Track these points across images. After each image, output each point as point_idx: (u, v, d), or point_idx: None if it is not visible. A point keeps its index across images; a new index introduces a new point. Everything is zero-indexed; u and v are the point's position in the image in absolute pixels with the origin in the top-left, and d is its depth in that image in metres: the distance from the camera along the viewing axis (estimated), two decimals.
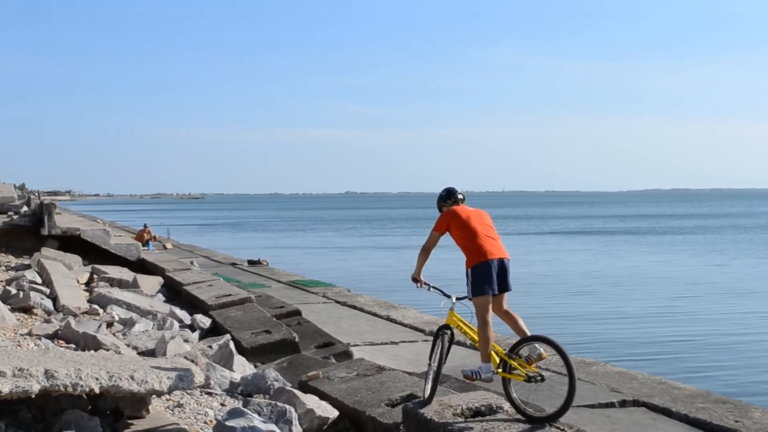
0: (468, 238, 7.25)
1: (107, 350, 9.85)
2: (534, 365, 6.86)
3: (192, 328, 13.31)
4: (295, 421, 7.48)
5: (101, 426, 6.83)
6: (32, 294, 13.74)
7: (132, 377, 6.86)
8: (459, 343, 11.89)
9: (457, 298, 7.39)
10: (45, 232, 25.20)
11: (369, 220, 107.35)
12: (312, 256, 44.95)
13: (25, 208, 39.61)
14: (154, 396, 7.49)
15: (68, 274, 17.74)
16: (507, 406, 6.79)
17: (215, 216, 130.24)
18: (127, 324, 12.72)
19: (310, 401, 8.00)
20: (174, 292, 17.98)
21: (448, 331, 7.36)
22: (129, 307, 14.21)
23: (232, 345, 10.73)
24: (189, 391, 8.53)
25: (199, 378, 7.43)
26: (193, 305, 15.67)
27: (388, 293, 22.11)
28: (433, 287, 7.51)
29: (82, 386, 6.63)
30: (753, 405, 8.52)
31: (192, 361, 9.25)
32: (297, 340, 11.33)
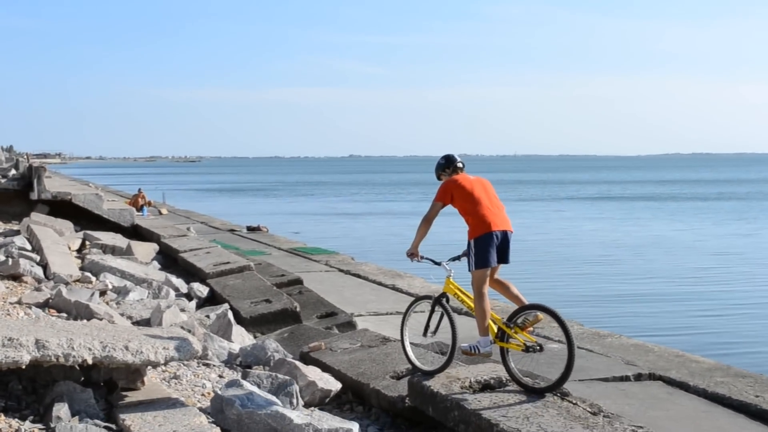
0: (472, 208, 7.29)
1: (100, 320, 9.92)
2: (532, 332, 7.03)
3: (189, 297, 13.38)
4: (297, 394, 7.55)
5: (95, 398, 6.90)
6: (21, 261, 13.81)
7: (126, 348, 6.92)
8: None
9: (450, 260, 7.58)
10: (34, 196, 25.25)
11: (374, 184, 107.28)
12: (314, 223, 44.98)
13: (13, 172, 39.65)
14: (149, 367, 7.56)
15: (59, 241, 17.81)
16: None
17: (213, 180, 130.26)
18: (121, 292, 12.79)
19: (312, 373, 8.07)
20: (170, 260, 18.06)
21: (444, 299, 7.53)
22: (123, 275, 14.28)
23: (230, 315, 10.80)
24: (186, 363, 8.60)
25: (196, 349, 7.48)
26: (190, 273, 15.74)
27: (394, 261, 22.14)
28: (424, 257, 7.66)
29: (74, 357, 6.69)
30: None
31: (189, 331, 9.33)
32: (298, 309, 11.40)
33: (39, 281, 13.32)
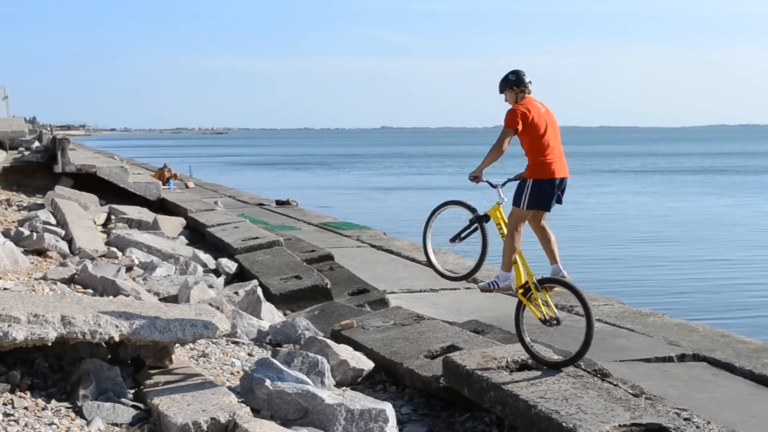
0: (539, 146, 7.18)
1: (127, 296, 10.04)
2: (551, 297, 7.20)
3: (217, 272, 13.48)
4: (328, 373, 7.60)
5: (122, 376, 6.99)
6: (46, 236, 13.96)
7: (153, 325, 7.01)
8: None
9: (505, 182, 7.54)
10: (59, 169, 25.48)
11: (408, 156, 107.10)
12: (345, 197, 45.04)
13: (36, 144, 40.10)
14: (177, 345, 7.64)
15: (84, 215, 17.99)
16: (555, 359, 6.85)
17: (240, 152, 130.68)
18: (148, 268, 12.91)
19: (344, 352, 8.11)
20: (197, 235, 18.18)
21: (485, 221, 7.54)
22: (149, 250, 14.41)
23: (259, 291, 10.87)
24: (214, 340, 8.69)
25: (224, 326, 7.56)
26: (218, 248, 15.85)
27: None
28: (485, 181, 7.53)
29: (101, 334, 6.78)
30: None
31: (217, 308, 9.40)
32: (329, 286, 11.44)
33: (64, 256, 13.47)
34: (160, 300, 10.74)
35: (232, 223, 17.76)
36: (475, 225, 7.65)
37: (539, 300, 7.14)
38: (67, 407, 6.46)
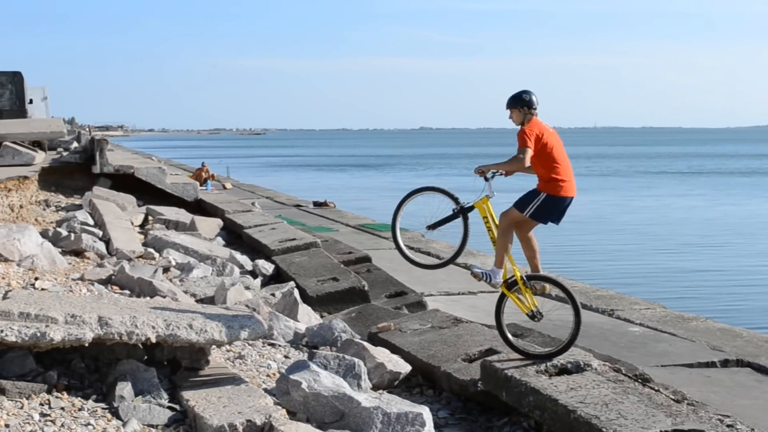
0: (553, 166, 7.41)
1: (164, 297, 10.11)
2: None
3: (253, 274, 13.54)
4: (365, 376, 7.61)
5: (158, 377, 7.05)
6: (84, 236, 14.10)
7: (190, 326, 7.06)
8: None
9: (493, 175, 7.78)
10: (97, 170, 25.75)
11: (447, 158, 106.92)
12: (383, 198, 45.00)
13: (75, 144, 40.59)
14: (213, 347, 7.69)
15: (121, 215, 18.17)
16: (596, 363, 6.82)
17: (278, 153, 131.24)
18: (185, 269, 13.00)
19: (381, 355, 8.12)
20: (234, 236, 18.28)
21: (469, 212, 7.88)
22: (186, 251, 14.51)
23: (296, 293, 10.91)
24: (251, 342, 8.74)
25: (261, 328, 7.59)
26: (255, 250, 15.92)
27: None
28: (485, 175, 7.80)
29: (137, 335, 6.84)
30: None
31: (254, 309, 9.45)
32: (366, 288, 11.45)
33: (101, 257, 13.61)
34: (197, 301, 10.81)
35: (269, 224, 17.83)
36: (459, 215, 7.92)
37: (526, 294, 7.53)
38: (103, 408, 6.53)
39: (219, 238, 17.79)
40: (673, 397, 6.10)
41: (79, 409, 6.42)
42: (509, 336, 7.44)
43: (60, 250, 13.21)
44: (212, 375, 7.30)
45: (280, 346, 9.08)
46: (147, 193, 24.21)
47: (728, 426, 5.58)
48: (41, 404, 6.37)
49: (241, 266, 13.84)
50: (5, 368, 6.68)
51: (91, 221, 17.17)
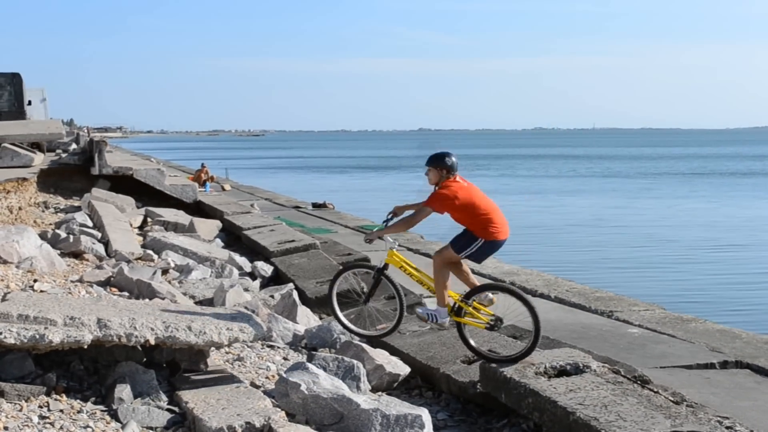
0: (482, 217, 7.86)
1: (162, 299, 10.12)
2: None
3: (252, 276, 13.54)
4: (364, 378, 7.62)
5: (157, 379, 7.05)
6: (83, 238, 14.10)
7: (189, 328, 7.06)
8: (542, 295, 11.93)
9: (385, 224, 8.58)
10: (95, 171, 25.75)
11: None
12: (382, 199, 45.01)
13: (74, 146, 40.58)
14: (212, 348, 7.69)
15: (120, 217, 18.17)
16: (595, 365, 6.82)
17: (277, 155, 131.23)
18: (184, 271, 13.00)
19: (380, 356, 8.13)
20: (233, 237, 18.28)
21: (387, 270, 8.65)
22: (185, 252, 14.51)
23: (295, 295, 10.91)
24: (250, 344, 8.74)
25: (260, 330, 7.60)
26: (254, 251, 15.92)
27: None
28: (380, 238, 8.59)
29: (136, 337, 6.85)
30: None
31: (253, 311, 9.46)
32: (366, 290, 11.44)
33: (100, 259, 13.61)
34: (196, 303, 10.81)
35: (269, 225, 17.84)
36: (380, 277, 8.65)
37: (474, 311, 7.83)
38: (102, 410, 6.53)
39: (218, 240, 17.80)
40: (672, 399, 6.11)
41: (78, 412, 6.42)
42: (475, 346, 7.70)
43: (59, 251, 13.21)
44: (211, 377, 7.31)
45: (279, 347, 9.08)
46: (146, 194, 24.21)
47: (727, 428, 5.59)
48: (40, 406, 6.37)
49: (240, 268, 13.84)
50: (4, 370, 6.68)
51: (90, 223, 17.17)
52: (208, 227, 18.60)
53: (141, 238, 16.58)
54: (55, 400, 6.53)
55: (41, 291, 10.09)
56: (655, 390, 6.32)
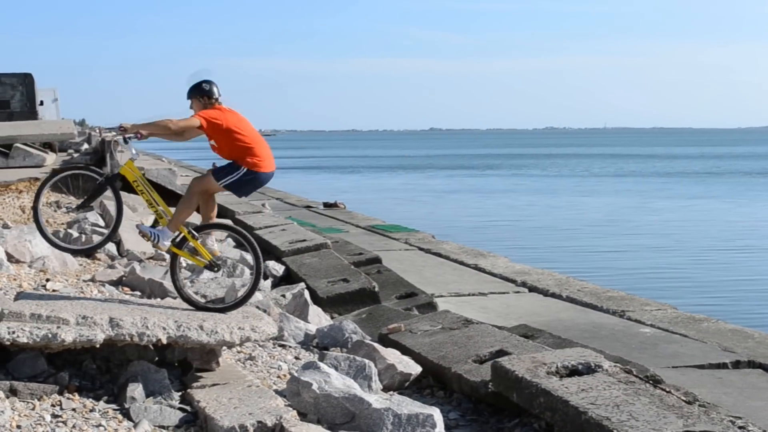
0: (246, 147, 7.70)
1: (174, 298, 10.14)
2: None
3: (264, 275, 13.55)
4: (375, 377, 7.62)
5: (169, 378, 7.08)
6: (95, 237, 14.16)
7: (201, 327, 7.08)
8: (549, 293, 11.92)
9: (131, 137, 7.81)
10: (107, 171, 25.79)
11: (457, 158, 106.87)
12: (393, 199, 45.06)
13: (85, 146, 40.71)
14: (224, 348, 7.71)
15: (132, 217, 18.20)
16: (607, 364, 6.81)
17: (288, 155, 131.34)
18: (195, 270, 13.03)
19: (391, 356, 8.13)
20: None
21: (118, 181, 8.04)
22: None
23: (307, 294, 10.93)
24: (261, 343, 8.76)
25: (271, 329, 7.62)
26: (265, 251, 15.90)
27: (477, 240, 22.11)
28: (123, 137, 7.89)
29: (148, 336, 6.87)
30: None
31: (264, 311, 9.48)
32: (377, 289, 11.46)
33: (112, 258, 13.65)
34: (207, 302, 10.83)
35: (280, 225, 17.86)
36: (107, 186, 8.01)
37: (194, 248, 7.78)
38: (114, 409, 6.56)
39: (229, 240, 17.80)
40: (684, 399, 6.10)
41: (91, 410, 6.45)
42: (184, 289, 7.75)
43: None
44: (223, 376, 7.32)
45: (290, 347, 9.10)
46: (158, 194, 24.22)
47: (740, 428, 5.58)
48: (53, 405, 6.40)
49: (251, 267, 13.85)
50: (17, 369, 6.72)
51: (102, 222, 17.23)
52: None
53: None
54: (68, 398, 6.56)
55: (53, 290, 10.14)
56: (668, 390, 6.31)
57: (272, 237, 16.25)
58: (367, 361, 7.72)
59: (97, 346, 6.73)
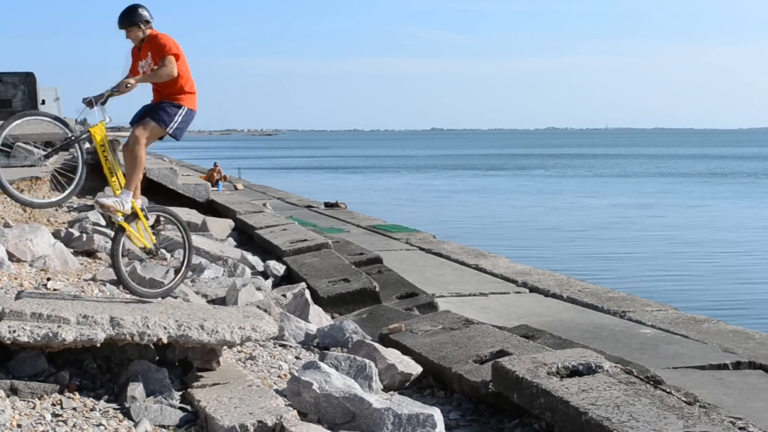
0: (189, 80, 7.36)
1: (175, 298, 10.15)
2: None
3: (265, 275, 13.57)
4: (375, 377, 7.63)
5: (169, 378, 7.08)
6: (96, 237, 14.15)
7: (202, 327, 7.09)
8: (552, 294, 11.92)
9: (106, 99, 7.49)
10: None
11: (459, 158, 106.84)
12: (394, 199, 45.10)
13: (87, 145, 40.64)
14: (225, 347, 7.72)
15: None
16: (607, 365, 6.81)
17: (290, 154, 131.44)
18: (196, 270, 13.04)
19: (392, 356, 8.14)
20: (245, 237, 18.33)
21: (85, 140, 7.71)
22: (198, 251, 14.53)
23: (307, 294, 10.94)
24: (262, 343, 8.76)
25: (272, 329, 7.62)
26: (266, 251, 15.96)
27: (478, 240, 22.12)
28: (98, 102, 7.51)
29: (149, 335, 6.88)
30: None
31: (265, 310, 9.49)
32: (377, 289, 11.47)
33: None
34: (208, 302, 10.85)
35: (281, 225, 17.88)
36: (73, 144, 7.69)
37: (143, 226, 7.60)
38: (115, 408, 6.56)
39: (230, 239, 17.83)
40: (685, 400, 6.10)
41: (91, 410, 6.45)
42: (122, 269, 7.64)
43: (72, 250, 13.25)
44: (223, 376, 7.33)
45: (291, 347, 9.11)
46: (158, 193, 24.25)
47: (740, 428, 5.58)
48: (53, 404, 6.41)
49: (252, 267, 13.87)
50: (17, 368, 6.72)
51: (103, 222, 17.21)
52: (221, 226, 18.64)
53: (154, 237, 16.59)
54: (68, 398, 6.56)
55: (54, 289, 10.14)
56: (668, 390, 6.31)
57: (273, 237, 16.26)
58: (367, 361, 7.72)
59: (98, 345, 6.74)
